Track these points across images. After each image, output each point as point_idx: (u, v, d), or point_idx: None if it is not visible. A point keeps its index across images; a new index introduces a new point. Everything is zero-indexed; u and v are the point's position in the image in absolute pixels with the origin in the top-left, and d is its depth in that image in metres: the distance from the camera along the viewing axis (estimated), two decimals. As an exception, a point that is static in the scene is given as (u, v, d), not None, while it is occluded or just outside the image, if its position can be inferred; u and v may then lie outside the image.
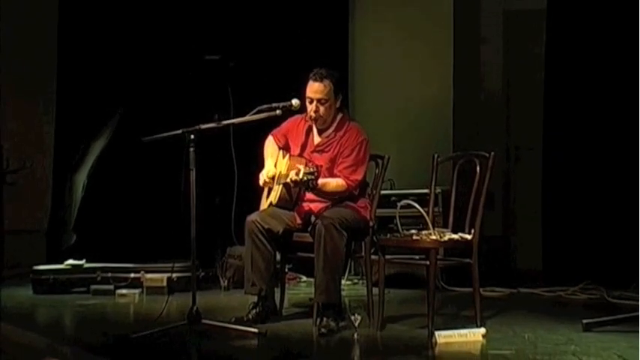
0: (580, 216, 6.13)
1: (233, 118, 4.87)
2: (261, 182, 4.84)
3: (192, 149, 4.37)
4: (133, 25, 7.01)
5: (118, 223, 6.84)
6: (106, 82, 7.00)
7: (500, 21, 7.18)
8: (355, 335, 4.28)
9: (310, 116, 4.79)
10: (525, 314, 5.03)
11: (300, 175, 4.39)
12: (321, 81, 4.70)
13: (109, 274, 5.98)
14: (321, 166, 4.65)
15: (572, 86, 6.26)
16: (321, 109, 4.73)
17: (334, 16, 7.13)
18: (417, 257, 5.10)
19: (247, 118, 4.70)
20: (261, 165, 4.92)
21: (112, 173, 6.96)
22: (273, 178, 4.81)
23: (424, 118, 6.77)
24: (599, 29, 6.09)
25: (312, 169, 4.41)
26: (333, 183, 4.69)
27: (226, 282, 6.13)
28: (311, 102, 4.74)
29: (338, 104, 4.80)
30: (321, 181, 4.53)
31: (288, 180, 4.57)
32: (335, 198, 4.70)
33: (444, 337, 4.18)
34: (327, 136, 4.82)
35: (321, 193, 4.66)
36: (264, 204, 4.95)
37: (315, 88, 4.72)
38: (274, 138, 5.00)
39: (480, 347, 4.16)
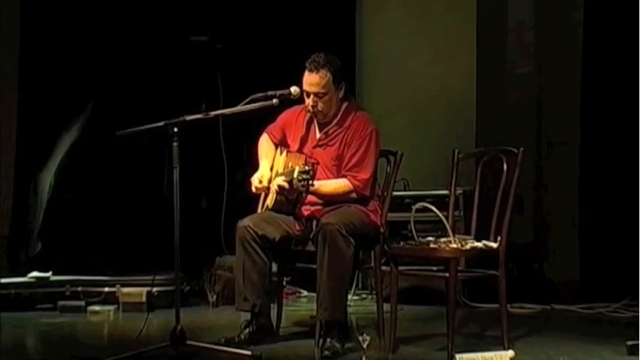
0: (622, 221, 6.12)
1: (222, 108, 4.89)
2: (253, 189, 4.83)
3: (175, 144, 4.37)
4: (107, 2, 7.01)
5: (90, 229, 6.84)
6: (77, 68, 7.00)
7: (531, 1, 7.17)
8: (363, 358, 4.26)
9: (309, 110, 4.78)
10: (560, 334, 5.04)
11: (295, 174, 4.37)
12: (318, 71, 4.67)
13: (80, 289, 6.00)
14: (318, 163, 4.64)
15: (614, 73, 6.26)
16: (320, 103, 4.72)
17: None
18: (434, 268, 5.08)
19: (239, 108, 4.70)
20: (255, 166, 4.92)
21: (83, 172, 6.97)
22: (269, 181, 4.80)
23: (443, 109, 6.77)
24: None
25: (307, 168, 4.39)
26: (332, 184, 4.69)
27: (215, 297, 6.15)
28: (308, 95, 4.73)
29: (341, 94, 4.78)
30: (317, 183, 4.51)
31: (276, 187, 4.58)
32: (338, 202, 4.69)
33: (466, 360, 4.18)
34: (330, 129, 4.81)
35: (319, 196, 4.65)
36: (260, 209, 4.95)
37: (310, 81, 4.69)
38: (269, 135, 5.00)
39: (507, 372, 4.16)
